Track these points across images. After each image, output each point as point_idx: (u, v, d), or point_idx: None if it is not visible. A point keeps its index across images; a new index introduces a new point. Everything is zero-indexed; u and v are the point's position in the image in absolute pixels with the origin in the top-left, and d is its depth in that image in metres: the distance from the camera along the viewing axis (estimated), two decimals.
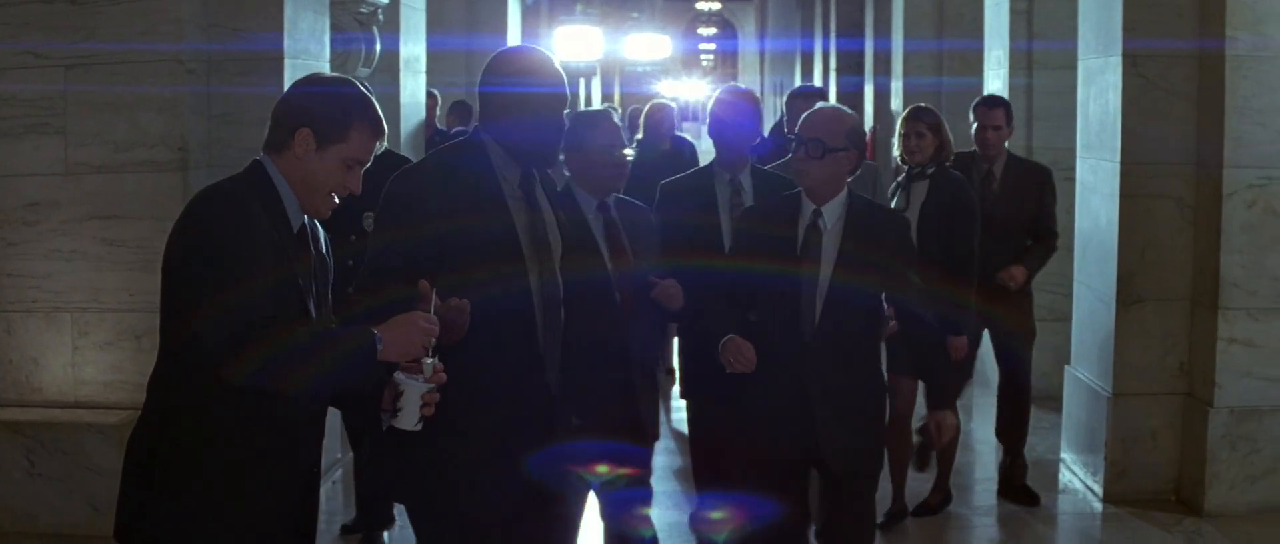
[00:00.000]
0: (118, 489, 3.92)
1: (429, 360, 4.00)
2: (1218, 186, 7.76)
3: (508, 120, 4.54)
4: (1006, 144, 8.36)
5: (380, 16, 9.91)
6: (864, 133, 5.42)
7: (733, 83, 8.24)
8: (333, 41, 8.47)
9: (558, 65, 4.68)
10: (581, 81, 33.75)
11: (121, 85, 7.35)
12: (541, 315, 4.54)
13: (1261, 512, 7.83)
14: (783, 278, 5.40)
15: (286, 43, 7.54)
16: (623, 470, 4.04)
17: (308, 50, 7.80)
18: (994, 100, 8.49)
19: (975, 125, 8.38)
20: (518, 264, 4.50)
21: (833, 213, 5.47)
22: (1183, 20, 7.95)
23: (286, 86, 7.46)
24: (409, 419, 4.03)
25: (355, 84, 4.07)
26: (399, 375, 3.99)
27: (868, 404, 5.55)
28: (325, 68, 8.14)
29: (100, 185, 7.40)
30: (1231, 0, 7.62)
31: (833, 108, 5.63)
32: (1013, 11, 11.36)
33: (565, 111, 4.66)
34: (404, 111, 11.00)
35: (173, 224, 3.96)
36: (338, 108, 4.01)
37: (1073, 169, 9.01)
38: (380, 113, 4.04)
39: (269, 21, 7.54)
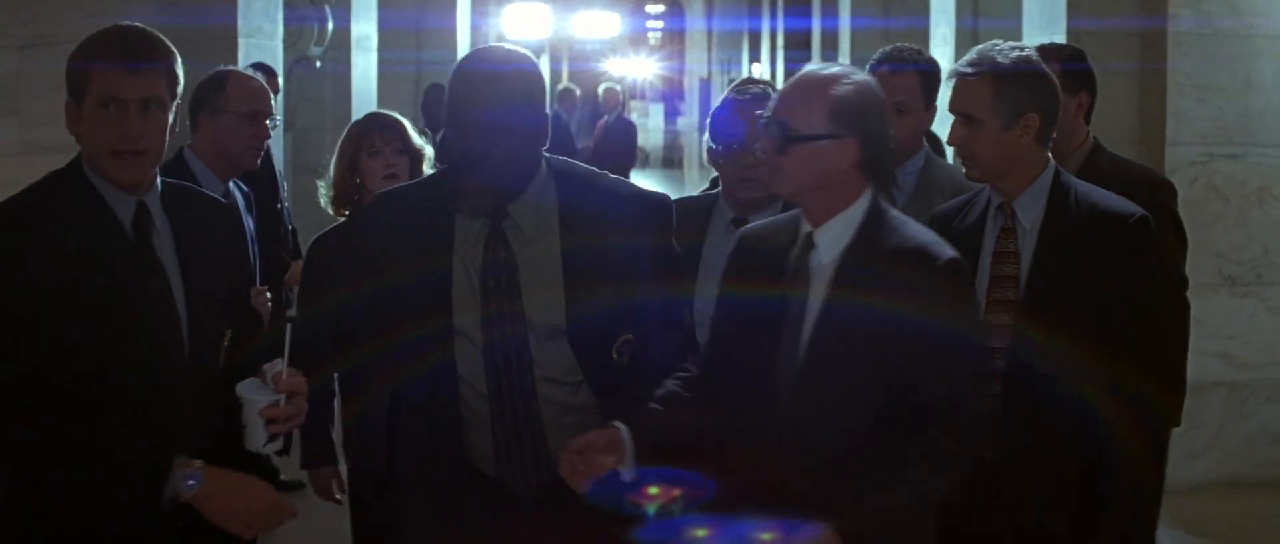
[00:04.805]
0: None
1: (276, 366, 3.55)
2: (1161, 163, 7.89)
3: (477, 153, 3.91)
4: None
5: None
6: (871, 105, 3.74)
7: (747, 77, 6.99)
8: (286, 19, 8.54)
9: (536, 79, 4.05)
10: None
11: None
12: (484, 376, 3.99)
13: (1202, 487, 7.96)
14: (757, 327, 3.81)
15: (240, 21, 7.62)
16: (676, 494, 3.56)
17: (261, 28, 7.87)
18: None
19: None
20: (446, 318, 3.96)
21: (833, 240, 3.75)
22: (1126, 3, 8.09)
23: (241, 64, 7.68)
24: (255, 439, 3.53)
25: (106, 30, 3.64)
26: (240, 387, 3.55)
27: None
28: (278, 46, 8.20)
29: (57, 164, 7.37)
30: None
31: (812, 73, 3.80)
32: None
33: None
34: (356, 90, 11.05)
35: None
36: (77, 55, 3.60)
37: None
38: (123, 37, 3.61)
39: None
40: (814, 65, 3.85)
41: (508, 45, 4.17)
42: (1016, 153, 4.29)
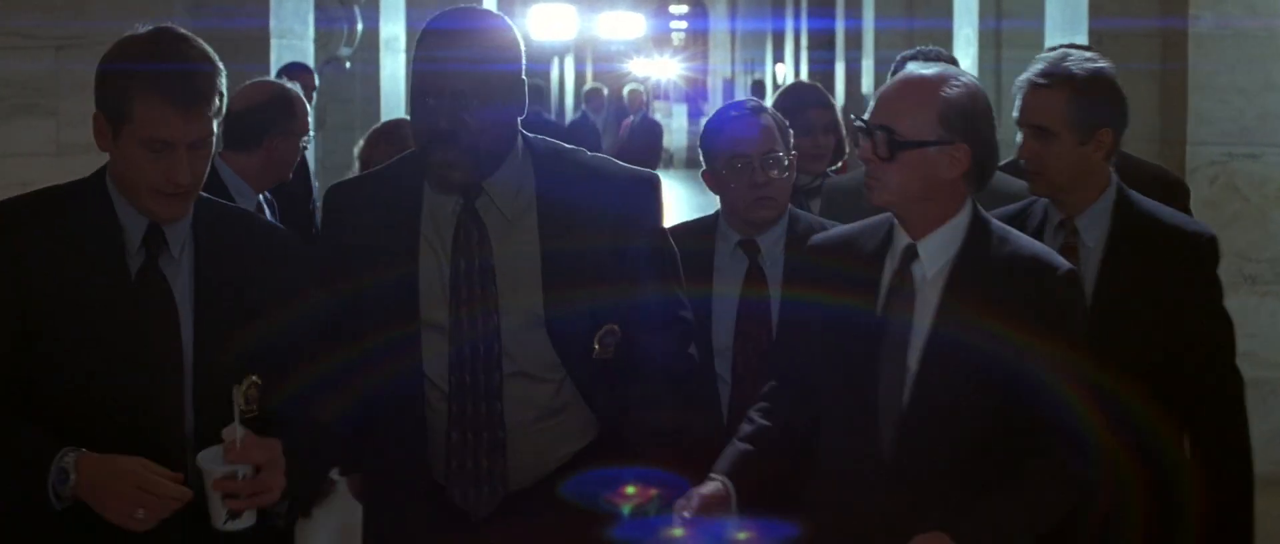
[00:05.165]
0: None
1: (235, 431, 3.11)
2: (1181, 163, 7.95)
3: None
4: None
5: (361, 0, 10.11)
6: (982, 109, 3.51)
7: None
8: (316, 21, 8.65)
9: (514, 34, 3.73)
10: (556, 61, 33.91)
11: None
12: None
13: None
14: (855, 352, 3.49)
15: (272, 22, 7.72)
16: (653, 494, 3.41)
17: (292, 29, 7.99)
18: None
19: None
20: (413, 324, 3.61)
21: (937, 252, 3.49)
22: (1147, 4, 8.16)
23: (273, 68, 7.80)
24: (215, 516, 3.09)
25: (145, 41, 3.26)
26: (201, 455, 3.12)
27: None
28: (309, 46, 8.31)
29: (91, 165, 7.48)
30: None
31: (918, 76, 3.59)
32: None
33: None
34: (384, 91, 11.16)
35: None
36: (115, 78, 3.22)
37: None
38: (176, 69, 3.20)
39: (254, 1, 7.71)
40: (916, 67, 3.67)
41: (478, 8, 3.84)
42: (1089, 168, 4.05)
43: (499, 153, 3.61)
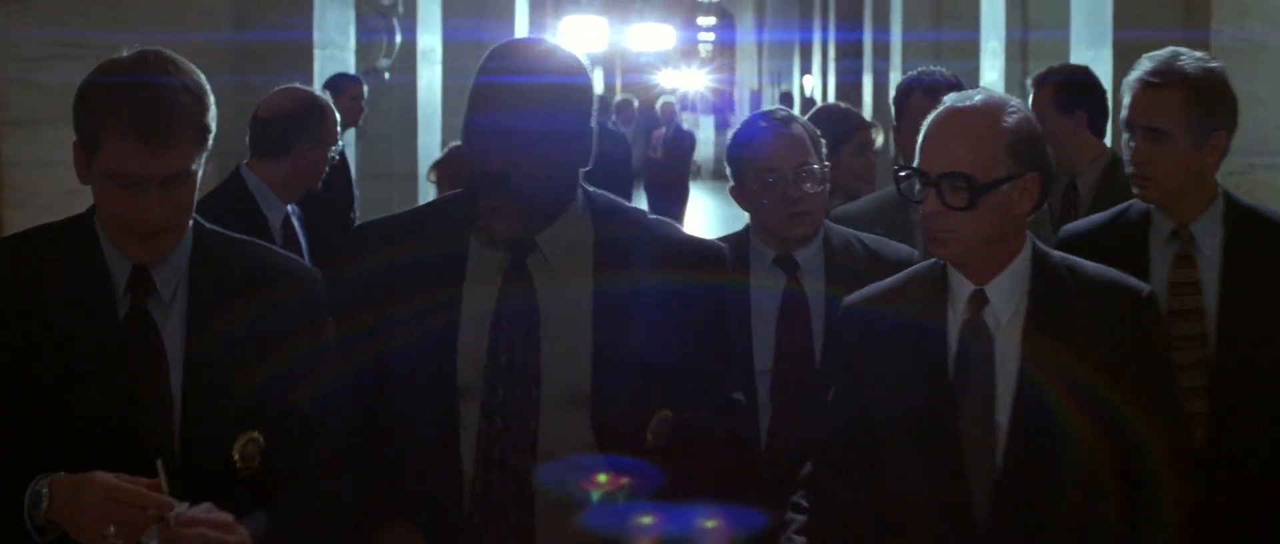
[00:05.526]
0: None
1: (171, 510, 2.79)
2: None
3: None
4: None
5: (400, 8, 10.28)
6: (1039, 130, 3.29)
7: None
8: (356, 32, 8.84)
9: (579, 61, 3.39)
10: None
11: None
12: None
13: None
14: (931, 412, 3.22)
15: (315, 33, 7.88)
16: (624, 482, 3.18)
17: (334, 41, 8.16)
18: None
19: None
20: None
21: (1008, 294, 3.23)
22: (1169, 12, 8.29)
23: (317, 78, 7.97)
24: None
25: (122, 64, 2.97)
26: (143, 535, 2.82)
27: None
28: (351, 57, 8.49)
29: None
30: None
31: (978, 105, 3.24)
32: (1008, 5, 11.71)
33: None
34: (421, 101, 11.32)
35: None
36: (87, 103, 2.96)
37: None
38: (145, 102, 2.89)
39: (298, 12, 7.89)
40: (954, 98, 3.28)
41: (549, 40, 3.51)
42: (1202, 173, 3.88)
43: (555, 205, 3.28)
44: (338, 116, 5.71)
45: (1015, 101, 3.31)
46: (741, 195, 4.28)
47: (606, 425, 3.25)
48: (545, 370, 3.23)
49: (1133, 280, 3.32)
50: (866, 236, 4.31)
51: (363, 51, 9.41)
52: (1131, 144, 3.93)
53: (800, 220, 4.17)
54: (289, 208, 5.59)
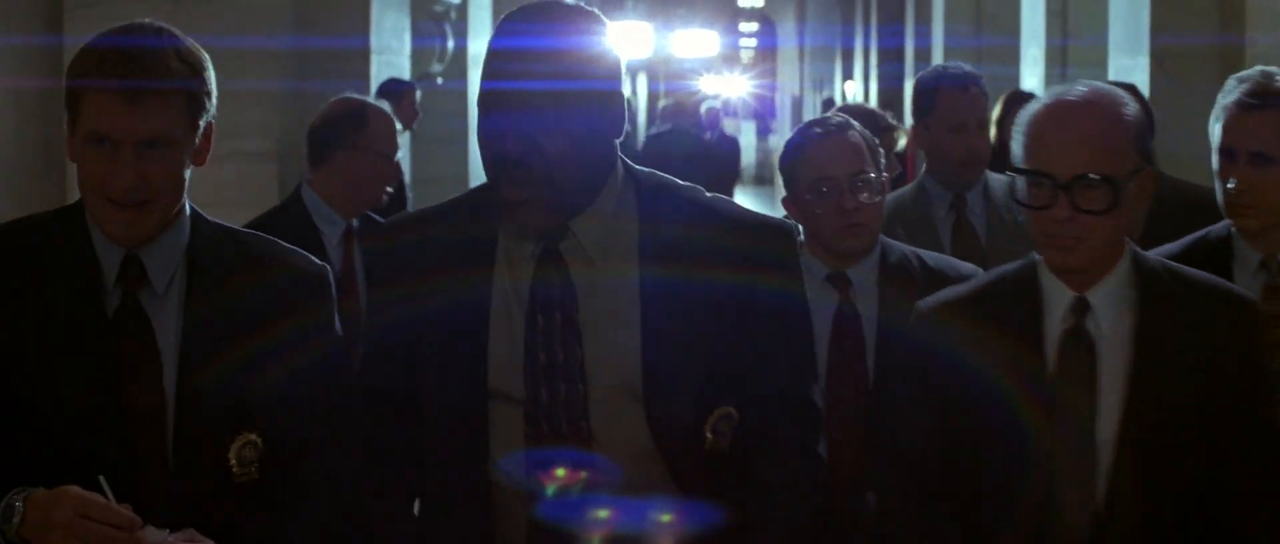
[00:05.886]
0: None
1: (139, 527, 2.64)
2: None
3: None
4: None
5: (453, 15, 10.50)
6: (1152, 121, 2.99)
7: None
8: (411, 38, 9.07)
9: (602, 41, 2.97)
10: (628, 79, 34.24)
11: (219, 79, 7.88)
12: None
13: None
14: (1018, 437, 2.92)
15: (372, 40, 8.10)
16: (581, 475, 2.89)
17: (390, 46, 8.38)
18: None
19: None
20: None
21: (1112, 300, 2.96)
22: (1205, 20, 8.44)
23: (373, 84, 8.19)
24: None
25: (114, 31, 2.83)
26: None
27: None
28: (406, 62, 8.72)
29: (202, 173, 7.91)
30: (1250, 2, 8.14)
31: (1099, 97, 2.96)
32: (1048, 12, 11.89)
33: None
34: (473, 106, 11.45)
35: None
36: (73, 67, 2.80)
37: None
38: (126, 59, 2.74)
39: (356, 19, 8.11)
40: (1061, 88, 3.02)
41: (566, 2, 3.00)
42: None
43: (588, 185, 2.93)
44: (397, 125, 5.49)
45: (1119, 90, 3.07)
46: (794, 206, 4.04)
47: (663, 422, 2.92)
48: (589, 364, 2.91)
49: (1231, 285, 3.10)
50: (926, 253, 4.10)
51: (417, 57, 9.61)
52: (1226, 172, 3.65)
53: (855, 232, 3.93)
54: (352, 223, 5.33)
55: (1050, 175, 2.88)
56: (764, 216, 3.09)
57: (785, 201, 4.09)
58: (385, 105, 5.58)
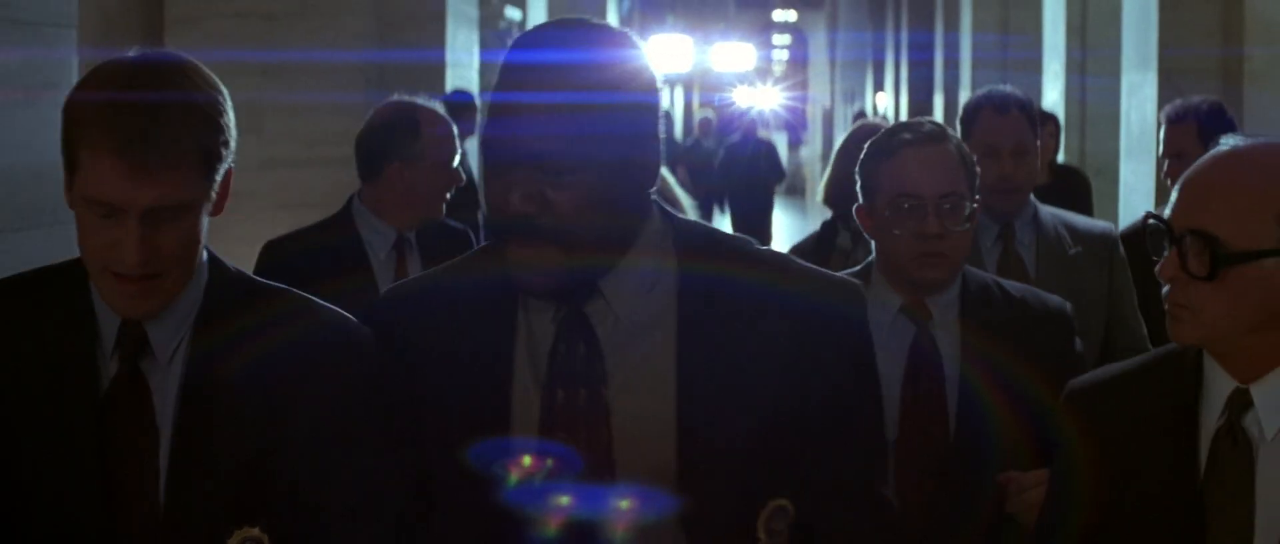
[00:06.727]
0: None
1: None
2: None
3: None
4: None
5: (515, 31, 11.22)
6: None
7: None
8: (479, 55, 9.77)
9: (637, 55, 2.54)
10: (666, 92, 34.70)
11: (306, 91, 8.54)
12: None
13: None
14: (1166, 540, 2.47)
15: (447, 55, 8.80)
16: (547, 463, 2.43)
17: (461, 61, 9.06)
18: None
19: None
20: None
21: (1278, 398, 2.42)
22: (1209, 37, 9.05)
23: (447, 92, 8.84)
24: None
25: (117, 67, 2.37)
26: None
27: None
28: (475, 76, 9.43)
29: (289, 178, 8.62)
30: (1249, 17, 8.75)
31: (1239, 158, 2.44)
32: (1068, 28, 12.55)
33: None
34: None
35: None
36: (68, 113, 2.38)
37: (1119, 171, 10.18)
38: (129, 114, 2.31)
39: (432, 35, 8.75)
40: (1232, 140, 2.48)
41: (592, 20, 2.59)
42: None
43: (614, 240, 2.45)
44: (454, 130, 5.03)
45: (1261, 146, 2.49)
46: (869, 219, 3.49)
47: (702, 528, 2.45)
48: (618, 448, 2.45)
49: None
50: (1009, 283, 3.61)
51: (484, 71, 10.16)
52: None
53: (933, 263, 3.39)
54: (409, 235, 4.93)
55: (1168, 224, 2.46)
56: (827, 274, 2.63)
57: (859, 210, 3.53)
58: (438, 106, 5.06)
